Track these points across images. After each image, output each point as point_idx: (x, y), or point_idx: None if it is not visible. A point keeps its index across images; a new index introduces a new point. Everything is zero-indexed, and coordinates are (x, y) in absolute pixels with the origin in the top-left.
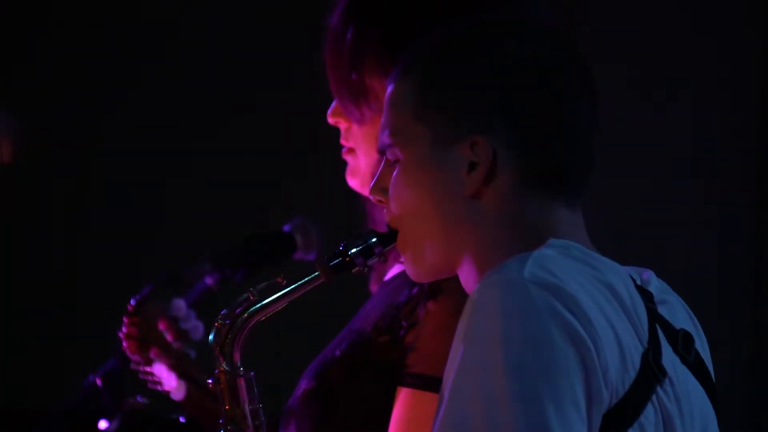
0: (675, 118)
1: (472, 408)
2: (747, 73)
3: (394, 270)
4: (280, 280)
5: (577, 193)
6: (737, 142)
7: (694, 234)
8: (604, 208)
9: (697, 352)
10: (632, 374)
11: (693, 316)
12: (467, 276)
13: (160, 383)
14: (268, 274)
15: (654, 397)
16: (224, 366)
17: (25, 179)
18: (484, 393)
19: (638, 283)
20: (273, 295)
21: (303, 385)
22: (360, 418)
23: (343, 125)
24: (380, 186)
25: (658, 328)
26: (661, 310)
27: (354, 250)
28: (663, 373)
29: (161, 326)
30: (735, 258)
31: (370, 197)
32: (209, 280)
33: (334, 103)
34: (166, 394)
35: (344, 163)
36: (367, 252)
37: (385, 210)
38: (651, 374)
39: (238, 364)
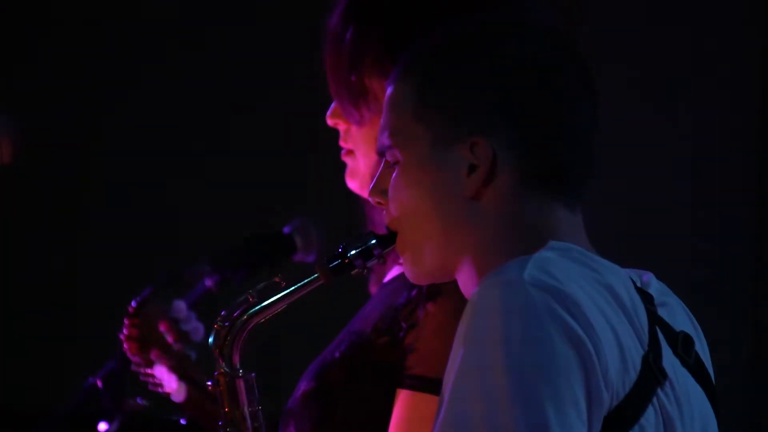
0: (675, 118)
1: (472, 408)
2: (747, 73)
3: (394, 272)
4: (279, 280)
5: (576, 194)
6: (737, 142)
7: (694, 234)
8: (604, 208)
9: (697, 355)
10: (633, 376)
11: (693, 318)
12: (466, 279)
13: (160, 385)
14: (267, 276)
15: (654, 400)
16: (224, 368)
17: (25, 179)
18: (484, 393)
19: (638, 285)
20: (272, 296)
21: (302, 386)
22: (359, 419)
23: (342, 127)
24: (380, 188)
25: (659, 330)
26: (661, 312)
27: (353, 252)
28: (663, 375)
29: (162, 328)
30: (735, 258)
31: (370, 199)
32: (209, 282)
33: (333, 105)
34: (166, 396)
35: (344, 164)
36: (366, 254)
37: (384, 212)
38: (651, 376)
39: (238, 366)
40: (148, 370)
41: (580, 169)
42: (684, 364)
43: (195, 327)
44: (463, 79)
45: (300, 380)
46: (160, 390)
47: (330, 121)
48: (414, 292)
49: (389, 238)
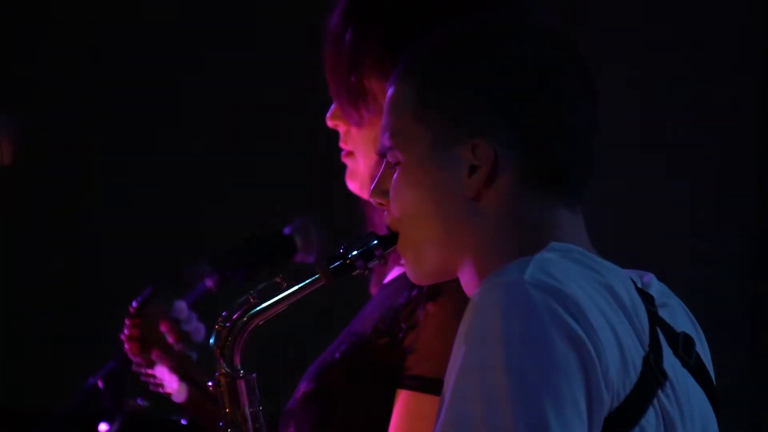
0: (675, 118)
1: (473, 408)
2: (747, 73)
3: (394, 272)
4: (279, 281)
5: (577, 194)
6: (737, 142)
7: (694, 234)
8: (604, 208)
9: (697, 355)
10: (633, 377)
11: (693, 319)
12: (468, 279)
13: (161, 385)
14: (268, 276)
15: (655, 400)
16: (225, 368)
17: (25, 179)
18: (485, 393)
19: (639, 286)
20: (273, 297)
21: (302, 387)
22: (359, 420)
23: (342, 128)
24: (380, 188)
25: (659, 331)
26: (662, 313)
27: (354, 253)
28: (664, 376)
29: (163, 328)
30: (735, 258)
31: (370, 200)
32: (209, 282)
33: (333, 106)
34: (167, 397)
35: (345, 165)
36: (367, 254)
37: (385, 213)
38: (652, 377)
39: (239, 367)
40: (149, 371)
41: (580, 169)
42: (684, 364)
43: (196, 327)
44: (463, 79)
45: (300, 381)
46: (160, 390)
47: (330, 123)
48: (414, 293)
49: (390, 239)
